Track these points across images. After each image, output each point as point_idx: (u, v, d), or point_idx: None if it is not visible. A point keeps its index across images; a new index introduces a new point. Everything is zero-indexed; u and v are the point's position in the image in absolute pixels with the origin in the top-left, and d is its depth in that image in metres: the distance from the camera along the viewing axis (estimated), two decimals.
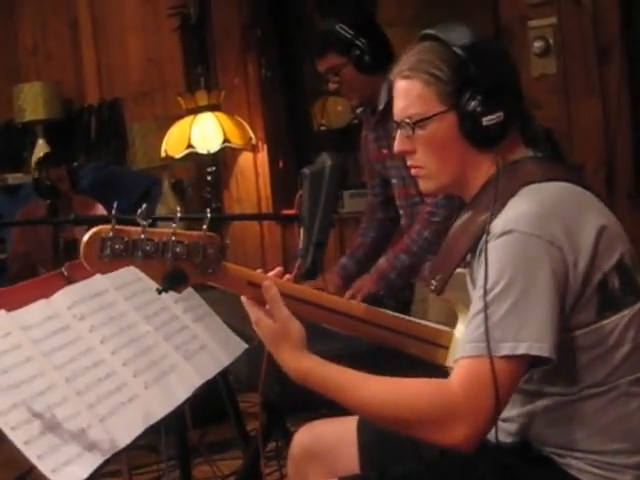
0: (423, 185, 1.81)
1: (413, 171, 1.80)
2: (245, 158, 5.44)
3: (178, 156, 5.11)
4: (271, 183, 5.37)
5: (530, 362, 1.56)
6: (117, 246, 1.53)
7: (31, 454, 1.57)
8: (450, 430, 1.54)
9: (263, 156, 5.38)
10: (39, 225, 4.77)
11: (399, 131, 1.77)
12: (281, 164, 5.37)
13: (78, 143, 6.10)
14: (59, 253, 4.27)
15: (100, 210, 4.73)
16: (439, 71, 1.70)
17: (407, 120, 1.73)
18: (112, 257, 1.53)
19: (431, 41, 1.74)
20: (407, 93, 1.74)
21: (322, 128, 5.17)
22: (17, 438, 1.57)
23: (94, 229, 1.54)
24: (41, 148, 5.92)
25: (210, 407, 3.33)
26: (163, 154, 5.16)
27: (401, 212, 3.14)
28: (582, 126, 4.02)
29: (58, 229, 4.37)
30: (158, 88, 5.80)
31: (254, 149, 5.36)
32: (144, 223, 1.55)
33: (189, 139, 5.02)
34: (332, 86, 3.08)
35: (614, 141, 3.99)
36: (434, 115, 1.71)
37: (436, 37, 1.73)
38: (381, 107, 3.00)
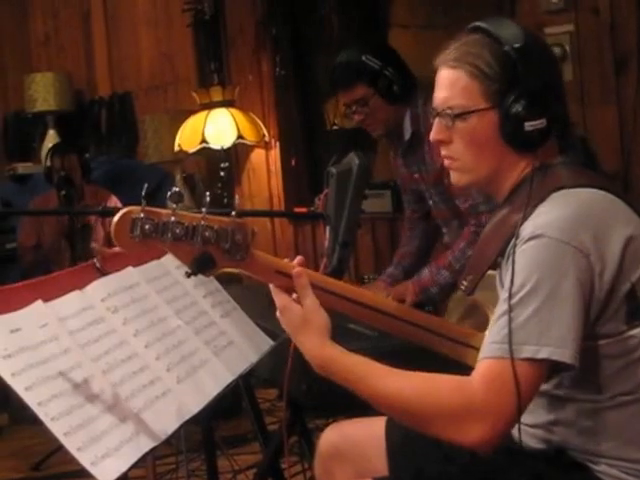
0: (455, 177, 1.79)
1: (446, 162, 1.78)
2: (257, 155, 5.44)
3: (191, 151, 5.11)
4: (283, 181, 5.36)
5: (552, 367, 1.55)
6: (147, 226, 1.54)
7: (71, 446, 1.55)
8: (467, 429, 1.53)
9: (275, 153, 5.38)
10: (51, 217, 4.74)
11: (437, 119, 1.75)
12: (293, 162, 5.37)
13: (88, 135, 6.10)
14: (75, 241, 4.27)
15: (114, 201, 4.70)
16: (487, 67, 1.68)
17: (448, 111, 1.72)
18: (142, 237, 1.55)
19: (482, 35, 1.71)
20: (452, 83, 1.72)
21: (334, 127, 5.16)
22: (57, 429, 1.56)
23: (125, 209, 1.55)
24: (51, 139, 5.91)
25: (221, 402, 3.33)
26: (177, 148, 5.17)
27: (444, 230, 3.14)
28: (597, 135, 3.98)
29: (73, 219, 4.38)
30: (170, 82, 5.80)
31: (267, 146, 5.36)
32: (174, 206, 1.56)
33: (203, 134, 5.02)
34: (357, 117, 3.03)
35: (630, 150, 3.97)
36: (476, 110, 1.69)
37: (488, 32, 1.70)
38: (407, 137, 2.99)
